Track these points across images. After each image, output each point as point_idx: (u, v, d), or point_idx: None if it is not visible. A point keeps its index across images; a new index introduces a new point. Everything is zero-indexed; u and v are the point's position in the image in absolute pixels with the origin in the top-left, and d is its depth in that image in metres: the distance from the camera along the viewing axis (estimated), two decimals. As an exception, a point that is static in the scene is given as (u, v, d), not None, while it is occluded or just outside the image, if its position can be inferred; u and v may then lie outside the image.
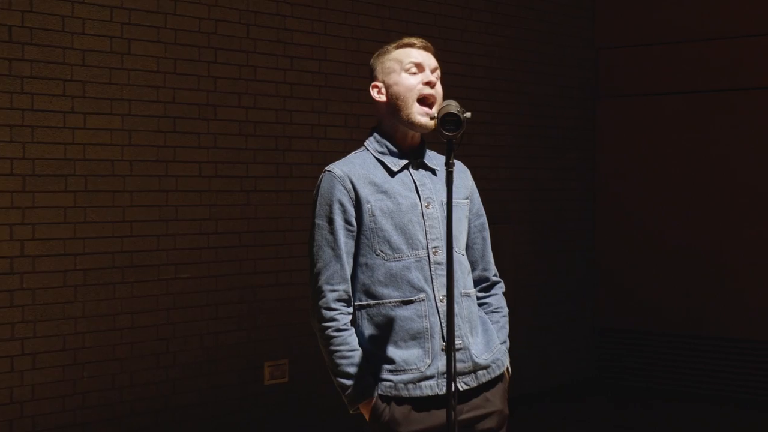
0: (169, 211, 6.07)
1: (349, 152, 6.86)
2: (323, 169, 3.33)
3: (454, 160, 3.38)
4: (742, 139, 8.04)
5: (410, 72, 3.30)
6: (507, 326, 3.44)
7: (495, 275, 3.53)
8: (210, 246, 6.26)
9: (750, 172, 7.98)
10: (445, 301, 3.22)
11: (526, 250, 8.20)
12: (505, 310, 3.47)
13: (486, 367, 3.29)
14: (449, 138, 3.00)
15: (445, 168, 3.03)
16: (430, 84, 3.29)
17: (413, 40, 3.37)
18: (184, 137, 6.13)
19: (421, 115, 3.26)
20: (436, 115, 3.09)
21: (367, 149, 3.37)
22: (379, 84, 3.36)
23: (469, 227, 3.44)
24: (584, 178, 8.75)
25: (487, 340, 3.35)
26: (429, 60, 3.34)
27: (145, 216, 5.97)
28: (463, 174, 3.46)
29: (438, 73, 3.35)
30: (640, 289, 8.52)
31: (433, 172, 3.36)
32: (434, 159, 3.41)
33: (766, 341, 7.97)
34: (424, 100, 3.28)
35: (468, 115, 3.01)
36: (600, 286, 8.73)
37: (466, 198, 3.43)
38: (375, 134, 3.39)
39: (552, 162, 8.44)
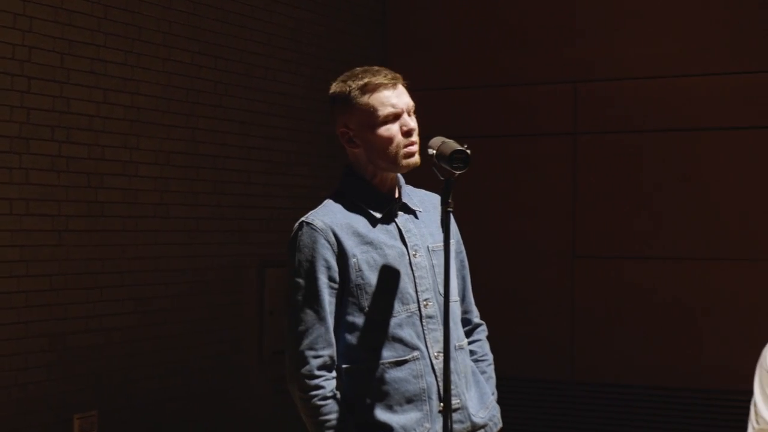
0: (-21, 252, 5.58)
1: (160, 191, 6.64)
2: (299, 220, 3.03)
3: (431, 193, 3.24)
4: (536, 184, 8.26)
5: (387, 122, 3.06)
6: (494, 375, 3.26)
7: (477, 317, 3.33)
8: (20, 290, 5.77)
9: (547, 217, 8.22)
10: (440, 357, 3.00)
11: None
12: (491, 358, 3.28)
13: (483, 426, 3.11)
14: (449, 176, 2.87)
15: (441, 208, 2.86)
16: (410, 132, 3.09)
17: (380, 78, 3.09)
18: (-5, 172, 5.65)
19: (407, 158, 3.07)
20: (434, 151, 2.92)
21: (344, 195, 3.10)
22: (350, 131, 3.10)
23: None
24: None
25: (480, 394, 3.16)
26: (402, 100, 3.11)
27: (-46, 257, 5.45)
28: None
29: (413, 110, 3.13)
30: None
31: (415, 214, 3.15)
32: (414, 198, 3.20)
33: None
34: (408, 147, 3.08)
35: (469, 151, 2.89)
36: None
37: (454, 237, 3.23)
38: (350, 177, 3.13)
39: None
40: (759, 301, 7.56)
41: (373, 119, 3.05)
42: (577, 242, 8.10)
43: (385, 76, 3.11)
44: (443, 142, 2.94)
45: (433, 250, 3.13)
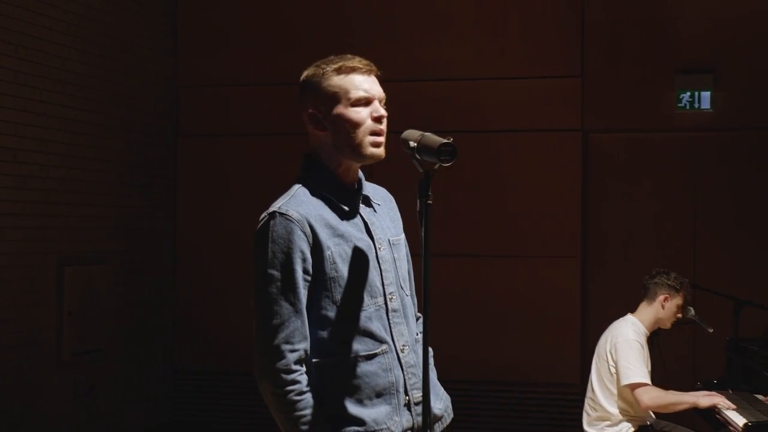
0: None
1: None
2: (270, 210, 2.90)
3: (378, 186, 3.20)
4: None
5: (358, 105, 2.96)
6: (434, 368, 3.22)
7: (418, 310, 3.25)
8: None
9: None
10: (405, 350, 3.00)
11: (116, 291, 7.83)
12: (431, 351, 3.19)
13: (440, 418, 3.11)
14: (430, 169, 2.82)
15: (421, 201, 2.81)
16: (380, 119, 2.99)
17: (356, 63, 3.00)
18: None
19: (374, 147, 2.97)
20: (415, 144, 2.86)
21: (308, 185, 2.99)
22: (319, 113, 2.98)
23: None
24: (166, 218, 8.57)
25: (432, 385, 3.09)
26: (375, 88, 3.01)
27: None
28: (390, 204, 3.21)
29: (384, 100, 3.04)
30: (216, 330, 8.47)
31: (373, 207, 3.09)
32: (372, 191, 3.15)
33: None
34: (375, 135, 2.99)
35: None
36: (177, 327, 8.57)
37: (402, 231, 3.20)
38: (314, 166, 3.02)
39: (139, 200, 8.18)
40: (552, 297, 7.93)
41: (344, 100, 2.96)
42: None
43: (360, 62, 3.03)
44: (423, 135, 2.87)
45: (394, 244, 3.11)
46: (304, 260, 2.87)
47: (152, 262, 8.39)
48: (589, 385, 5.83)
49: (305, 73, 3.06)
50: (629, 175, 8.06)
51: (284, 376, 2.82)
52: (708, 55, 7.79)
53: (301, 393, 2.83)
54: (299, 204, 2.93)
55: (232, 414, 8.48)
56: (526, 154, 8.04)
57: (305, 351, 2.87)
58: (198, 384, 8.57)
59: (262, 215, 2.95)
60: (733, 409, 5.32)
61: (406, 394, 2.98)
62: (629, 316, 5.87)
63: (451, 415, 3.20)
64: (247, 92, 8.57)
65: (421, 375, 2.99)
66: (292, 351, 2.84)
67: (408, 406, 2.98)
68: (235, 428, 8.45)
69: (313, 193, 2.98)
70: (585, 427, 5.80)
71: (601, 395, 5.72)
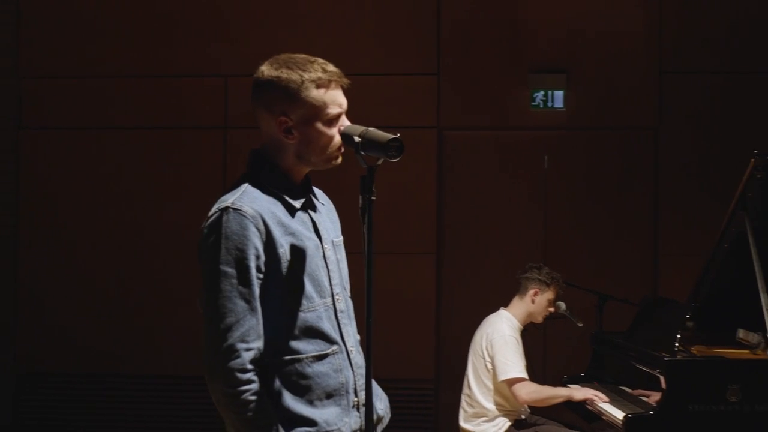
0: None
1: None
2: (222, 205, 2.81)
3: (318, 189, 3.16)
4: (187, 175, 8.13)
5: (332, 122, 2.94)
6: None
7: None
8: None
9: (198, 208, 8.09)
10: (353, 351, 2.99)
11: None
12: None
13: (382, 418, 3.12)
14: (373, 164, 2.81)
15: (364, 197, 2.81)
16: None
17: (333, 75, 2.96)
18: None
19: (337, 159, 2.99)
20: (359, 139, 2.83)
21: (259, 181, 2.92)
22: (289, 122, 2.92)
23: None
24: (8, 214, 8.20)
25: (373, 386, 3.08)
26: (344, 100, 3.00)
27: None
28: (329, 206, 3.20)
29: None
30: (59, 331, 8.18)
31: (317, 208, 3.07)
32: (315, 192, 3.13)
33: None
34: (340, 148, 3.00)
35: None
36: (20, 328, 8.23)
37: (341, 234, 3.18)
38: (265, 164, 2.96)
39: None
40: (407, 293, 7.98)
41: (320, 116, 2.94)
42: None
43: (336, 73, 3.00)
44: (367, 130, 2.86)
45: (336, 245, 3.09)
46: (257, 257, 2.81)
47: (-7, 259, 8.03)
48: (465, 381, 5.88)
49: (275, 74, 2.98)
50: (484, 173, 8.16)
51: (239, 375, 2.76)
52: (561, 55, 7.98)
53: (256, 393, 2.78)
54: (252, 200, 2.86)
55: (76, 417, 8.22)
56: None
57: (259, 350, 2.81)
58: (40, 386, 8.26)
59: (213, 210, 2.87)
60: (607, 402, 5.46)
61: (356, 395, 2.97)
62: (502, 311, 5.93)
63: (390, 414, 3.20)
64: (92, 85, 8.29)
65: (366, 376, 2.97)
66: (248, 350, 2.78)
67: (357, 407, 2.97)
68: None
69: (263, 191, 2.92)
70: (461, 423, 5.84)
71: (478, 391, 5.77)
